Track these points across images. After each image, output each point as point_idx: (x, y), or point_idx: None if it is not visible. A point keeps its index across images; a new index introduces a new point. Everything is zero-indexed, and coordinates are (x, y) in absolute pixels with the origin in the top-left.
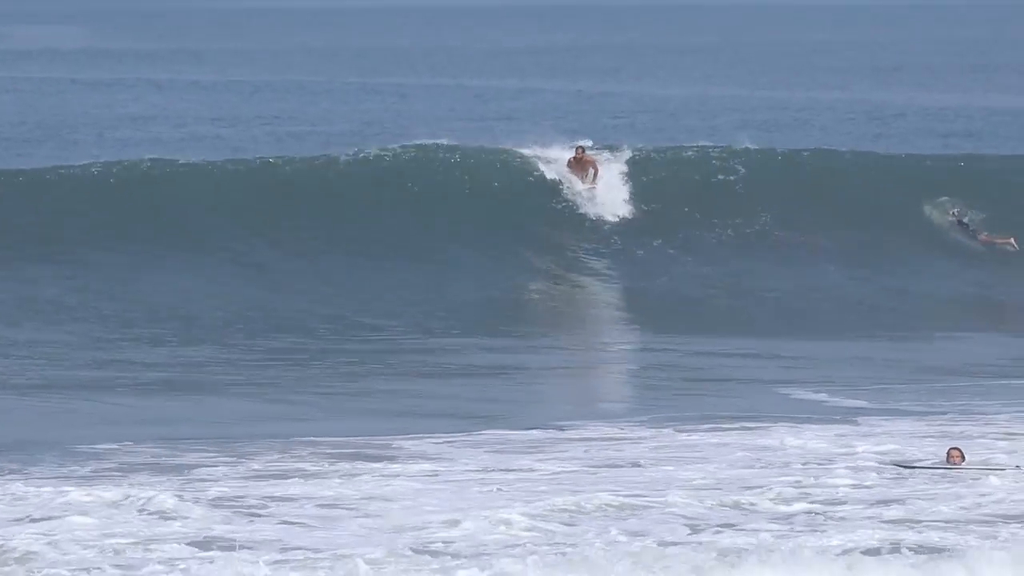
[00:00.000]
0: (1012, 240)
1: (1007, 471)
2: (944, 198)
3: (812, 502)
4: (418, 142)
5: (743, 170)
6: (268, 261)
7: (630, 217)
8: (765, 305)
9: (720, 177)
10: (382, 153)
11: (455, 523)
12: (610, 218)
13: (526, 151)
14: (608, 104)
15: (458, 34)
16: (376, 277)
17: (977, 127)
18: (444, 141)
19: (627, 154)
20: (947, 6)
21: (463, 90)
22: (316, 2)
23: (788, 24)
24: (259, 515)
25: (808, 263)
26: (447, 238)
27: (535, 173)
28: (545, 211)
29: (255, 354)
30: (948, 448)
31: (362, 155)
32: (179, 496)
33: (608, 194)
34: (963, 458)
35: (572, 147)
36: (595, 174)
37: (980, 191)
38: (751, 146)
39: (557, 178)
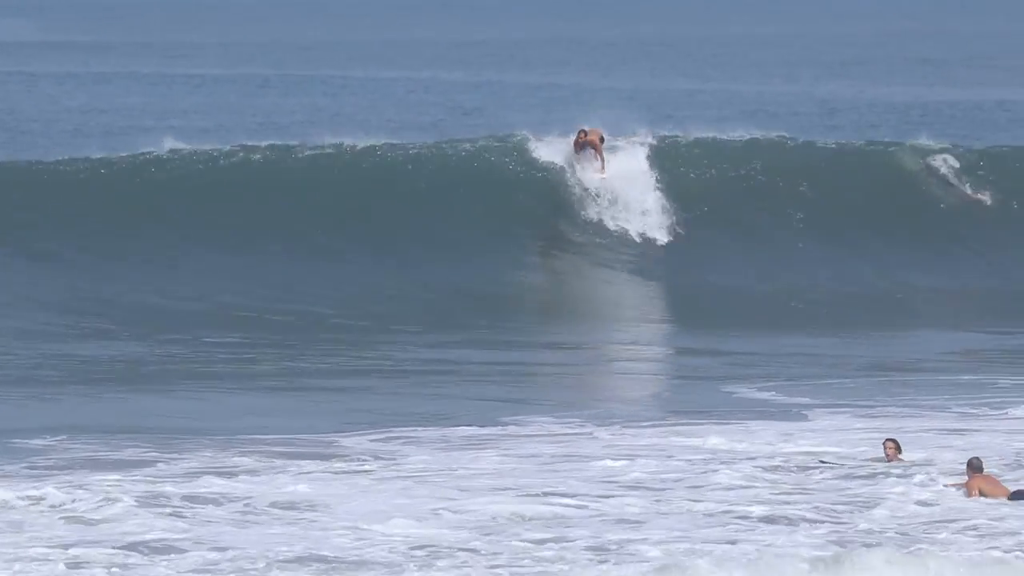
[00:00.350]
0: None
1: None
2: (931, 145)
3: (759, 503)
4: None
5: (753, 161)
6: (216, 256)
7: (606, 210)
8: (719, 300)
9: (720, 169)
10: (340, 146)
11: (379, 530)
12: (593, 210)
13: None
14: (557, 96)
15: (404, 27)
16: (330, 271)
17: (929, 119)
18: (427, 139)
19: (641, 141)
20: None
21: (412, 82)
22: None
23: (734, 17)
24: (185, 516)
25: (770, 256)
26: (414, 230)
27: (516, 164)
28: (523, 203)
29: (199, 349)
30: (884, 440)
31: (315, 151)
32: (110, 496)
33: (605, 184)
34: (899, 450)
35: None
36: (602, 162)
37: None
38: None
39: (541, 169)
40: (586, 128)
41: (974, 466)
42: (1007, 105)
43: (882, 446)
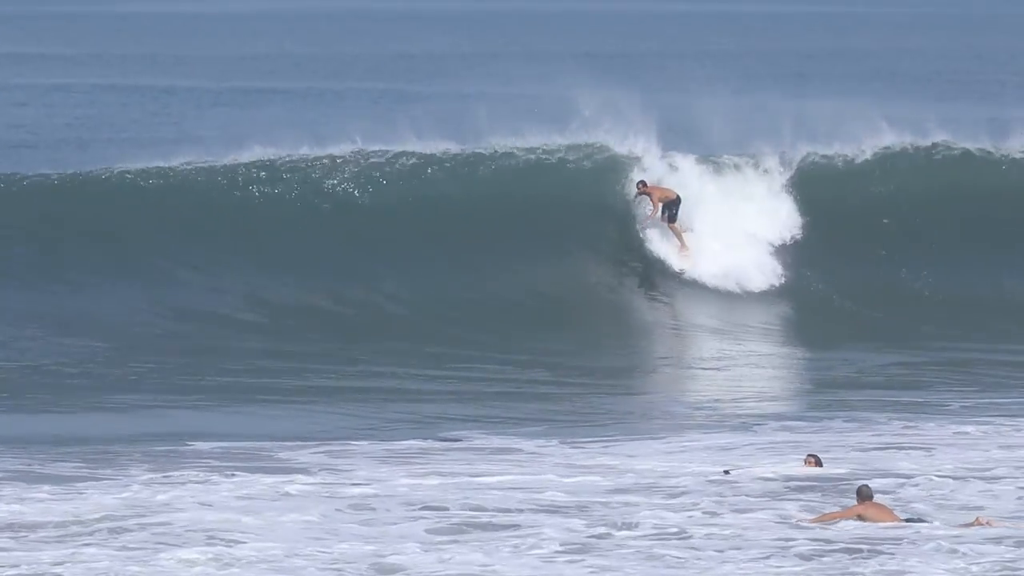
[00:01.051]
0: None
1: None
2: None
3: (699, 525)
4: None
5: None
6: (163, 266)
7: (583, 220)
8: (668, 313)
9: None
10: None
11: (304, 556)
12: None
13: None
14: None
15: (363, 39)
16: (282, 283)
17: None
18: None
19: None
20: (843, 14)
21: (372, 93)
22: (216, 7)
23: (685, 33)
24: (106, 542)
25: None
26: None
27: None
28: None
29: (142, 361)
30: (806, 455)
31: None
32: (23, 517)
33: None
34: (819, 465)
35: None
36: (679, 239)
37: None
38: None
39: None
40: (646, 180)
41: (863, 494)
42: None
43: (803, 462)
